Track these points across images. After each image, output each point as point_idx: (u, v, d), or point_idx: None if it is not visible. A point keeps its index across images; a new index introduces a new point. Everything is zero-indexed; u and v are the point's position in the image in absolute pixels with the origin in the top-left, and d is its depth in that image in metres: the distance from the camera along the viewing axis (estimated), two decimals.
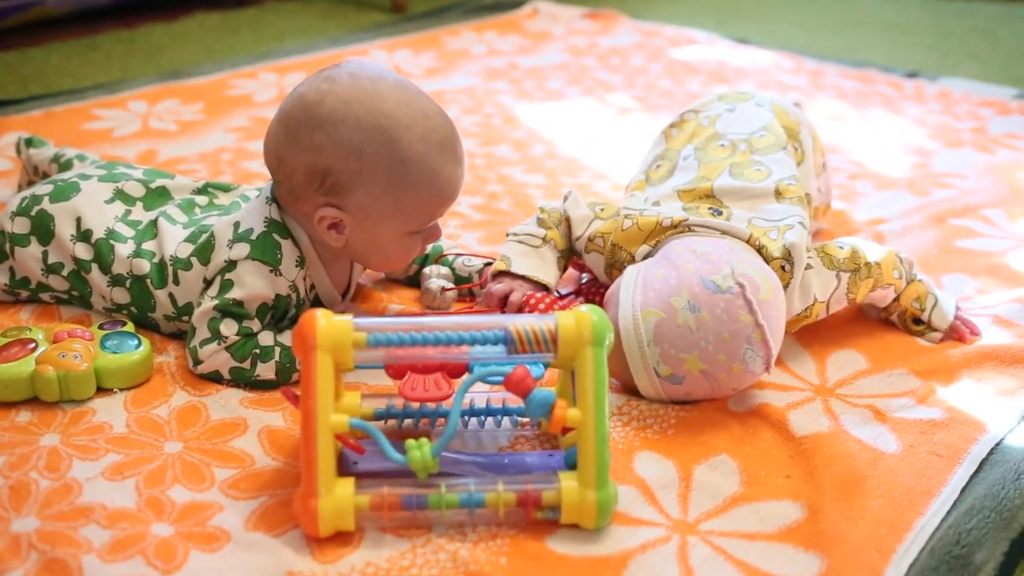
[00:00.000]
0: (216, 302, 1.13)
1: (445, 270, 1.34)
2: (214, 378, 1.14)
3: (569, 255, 1.32)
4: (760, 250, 1.16)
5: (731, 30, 2.86)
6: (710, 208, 1.23)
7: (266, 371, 1.13)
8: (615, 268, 1.24)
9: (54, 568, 0.86)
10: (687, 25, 2.87)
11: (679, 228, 1.19)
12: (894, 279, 1.25)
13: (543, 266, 1.27)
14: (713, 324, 1.06)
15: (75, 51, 2.49)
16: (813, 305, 1.19)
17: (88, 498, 0.95)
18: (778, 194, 1.25)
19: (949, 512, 0.97)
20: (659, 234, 1.20)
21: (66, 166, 1.46)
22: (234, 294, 1.13)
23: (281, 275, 1.14)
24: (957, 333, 1.27)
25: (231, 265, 1.14)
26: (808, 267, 1.19)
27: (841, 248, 1.24)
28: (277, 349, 1.14)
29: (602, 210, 1.30)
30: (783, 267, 1.16)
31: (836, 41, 2.83)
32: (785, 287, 1.15)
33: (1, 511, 0.93)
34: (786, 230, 1.19)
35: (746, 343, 1.06)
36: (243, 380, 1.14)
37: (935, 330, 1.27)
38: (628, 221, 1.23)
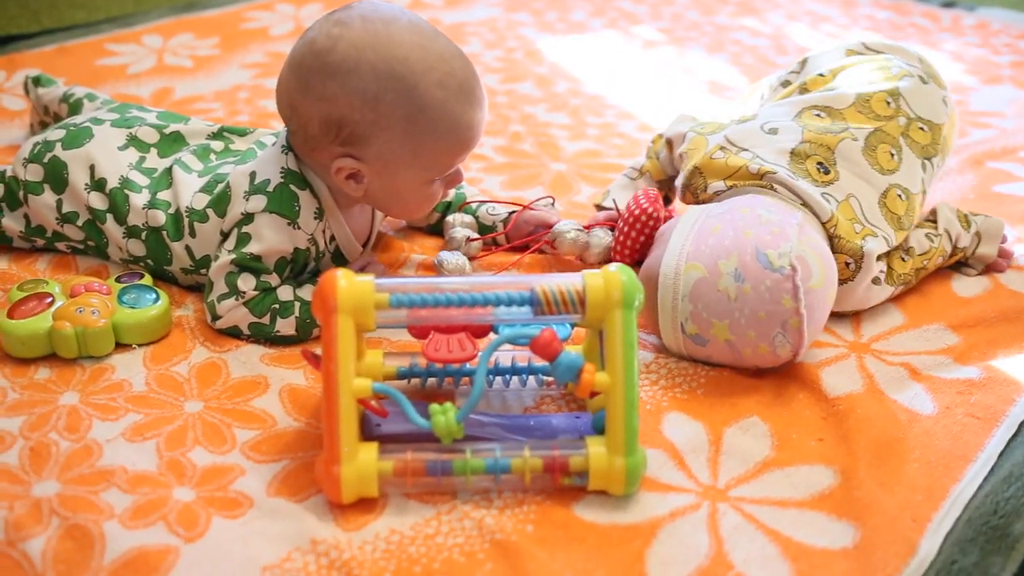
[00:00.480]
0: (233, 256, 1.10)
1: (469, 219, 1.31)
2: (233, 333, 1.12)
3: (671, 183, 1.30)
4: (833, 238, 1.12)
5: None
6: (819, 164, 1.17)
7: (286, 327, 1.11)
8: (688, 191, 1.21)
9: (76, 535, 0.85)
10: None
11: (763, 181, 1.14)
12: (938, 263, 1.23)
13: None
14: (753, 299, 1.02)
15: None
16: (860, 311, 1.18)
17: (109, 460, 0.94)
18: (883, 197, 1.18)
19: (987, 478, 0.95)
20: (740, 179, 1.16)
21: (75, 106, 1.43)
22: (252, 248, 1.10)
23: (299, 228, 1.11)
24: (996, 267, 1.27)
25: (248, 218, 1.11)
26: (876, 280, 1.15)
27: (904, 260, 1.19)
28: (297, 304, 1.12)
29: (702, 127, 1.27)
30: (847, 264, 1.12)
31: None
32: (842, 282, 1.12)
33: (22, 474, 0.92)
34: (869, 234, 1.14)
35: (780, 327, 1.02)
36: (263, 336, 1.12)
37: (972, 267, 1.27)
38: (721, 153, 1.19)
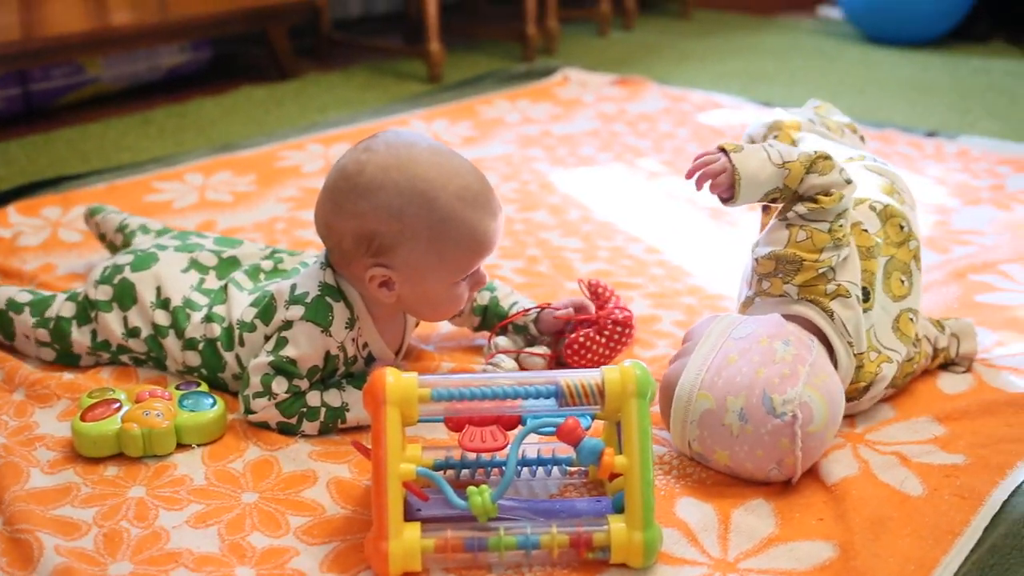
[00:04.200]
0: (271, 358, 1.22)
1: (505, 341, 1.41)
2: (263, 426, 1.24)
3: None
4: (857, 368, 1.22)
5: (756, 94, 2.97)
6: (864, 288, 1.25)
7: (311, 428, 1.24)
8: (774, 262, 1.22)
9: None
10: (713, 90, 2.99)
11: (830, 303, 1.21)
12: (924, 366, 1.34)
13: None
14: (753, 439, 1.10)
15: (130, 126, 2.63)
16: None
17: (176, 544, 1.04)
18: (896, 322, 1.28)
19: (973, 550, 1.04)
20: (813, 293, 1.22)
21: (129, 236, 1.58)
22: (288, 352, 1.22)
23: (331, 336, 1.24)
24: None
25: (287, 324, 1.24)
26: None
27: (907, 376, 1.31)
28: (323, 410, 1.24)
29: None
30: (857, 388, 1.23)
31: (858, 101, 2.93)
32: (850, 400, 1.22)
33: (98, 556, 1.02)
34: (884, 361, 1.24)
35: (775, 464, 1.11)
36: (288, 433, 1.24)
37: (960, 365, 1.38)
38: (802, 233, 1.21)
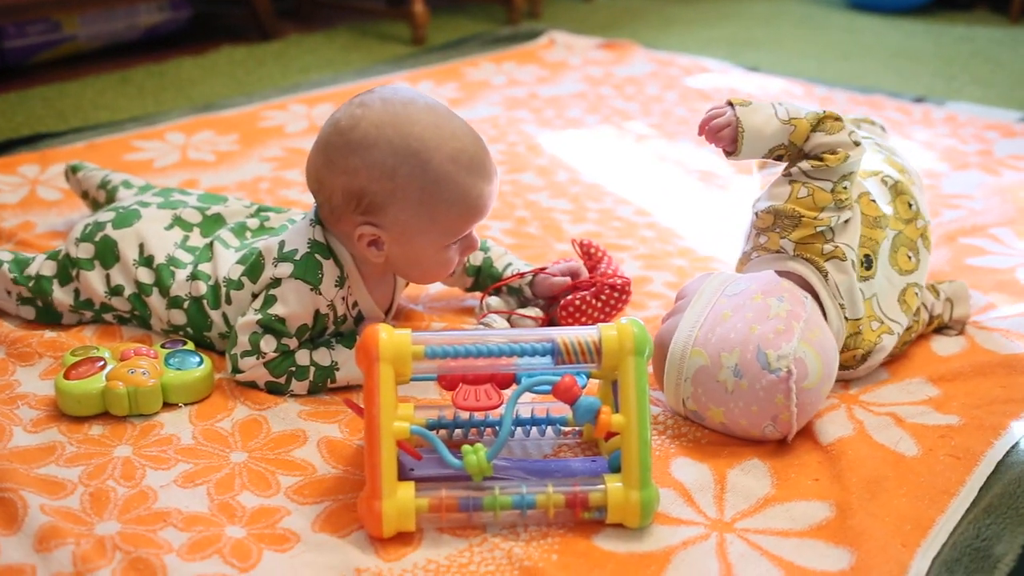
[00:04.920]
0: (259, 316, 1.20)
1: (497, 301, 1.39)
2: (250, 386, 1.22)
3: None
4: (855, 335, 1.21)
5: (743, 59, 2.94)
6: (866, 256, 1.24)
7: (300, 388, 1.22)
8: (772, 216, 1.22)
9: (139, 566, 0.93)
10: (700, 54, 2.97)
11: (825, 263, 1.20)
12: (920, 332, 1.33)
13: None
14: (748, 394, 1.10)
15: (109, 85, 2.58)
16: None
17: (164, 503, 1.02)
18: (902, 295, 1.28)
19: (969, 510, 1.04)
20: (809, 251, 1.20)
21: (112, 192, 1.54)
22: (277, 310, 1.20)
23: (321, 294, 1.21)
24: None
25: (276, 282, 1.21)
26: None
27: (904, 345, 1.30)
28: (312, 369, 1.21)
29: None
30: (856, 356, 1.22)
31: (845, 68, 2.91)
32: (845, 368, 1.21)
33: (84, 516, 1.00)
34: (885, 332, 1.24)
35: (771, 420, 1.10)
36: (277, 393, 1.21)
37: (953, 328, 1.38)
38: (804, 190, 1.21)
